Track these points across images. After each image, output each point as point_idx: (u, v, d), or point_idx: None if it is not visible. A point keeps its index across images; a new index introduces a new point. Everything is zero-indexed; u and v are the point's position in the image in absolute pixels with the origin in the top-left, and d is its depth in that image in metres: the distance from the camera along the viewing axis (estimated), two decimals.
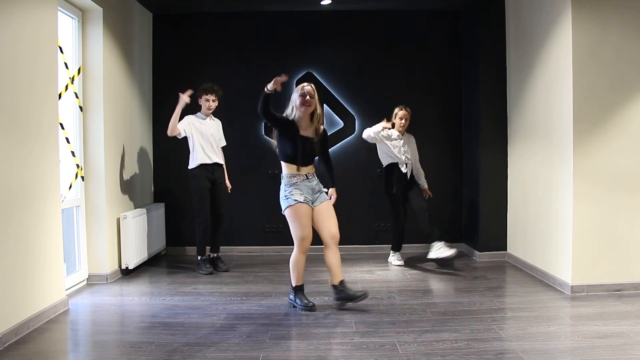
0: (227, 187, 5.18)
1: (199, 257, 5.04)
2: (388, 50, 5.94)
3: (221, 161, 5.07)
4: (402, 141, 5.15)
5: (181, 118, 4.91)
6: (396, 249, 5.34)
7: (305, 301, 3.81)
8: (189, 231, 5.95)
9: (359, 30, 5.94)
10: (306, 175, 3.79)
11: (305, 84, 3.83)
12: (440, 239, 5.02)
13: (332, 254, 3.80)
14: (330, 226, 3.79)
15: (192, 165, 4.98)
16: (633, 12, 4.08)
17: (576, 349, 3.01)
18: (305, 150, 3.77)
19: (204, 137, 4.95)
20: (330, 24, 5.94)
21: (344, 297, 3.81)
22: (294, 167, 3.76)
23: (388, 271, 5.06)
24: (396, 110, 5.16)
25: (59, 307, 3.75)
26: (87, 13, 4.57)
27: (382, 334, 3.30)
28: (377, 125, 4.94)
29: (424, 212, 5.08)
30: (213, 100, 4.99)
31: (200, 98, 5.00)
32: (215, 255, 5.15)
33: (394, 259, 5.32)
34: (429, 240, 5.08)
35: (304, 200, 3.73)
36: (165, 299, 4.17)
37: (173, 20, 5.92)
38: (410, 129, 5.25)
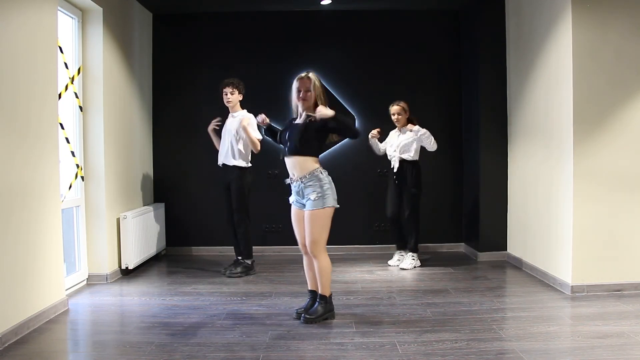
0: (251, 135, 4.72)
1: None
2: (388, 50, 5.94)
3: (231, 162, 4.79)
4: (397, 136, 5.13)
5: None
6: (397, 247, 5.32)
7: (300, 307, 3.71)
8: (189, 231, 5.96)
9: (359, 30, 5.94)
10: (291, 177, 3.54)
11: (303, 74, 3.55)
12: (414, 250, 5.18)
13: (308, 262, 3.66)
14: (301, 235, 3.59)
15: None
16: (633, 12, 4.08)
17: (576, 349, 3.01)
18: (288, 136, 3.52)
19: (223, 137, 4.89)
20: (330, 24, 5.93)
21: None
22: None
23: (388, 271, 5.06)
24: (389, 107, 5.13)
25: (59, 307, 3.75)
26: (87, 13, 4.57)
27: (382, 334, 3.30)
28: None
29: (406, 221, 5.13)
30: (231, 93, 4.80)
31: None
32: (237, 258, 5.00)
33: (392, 260, 5.28)
34: (404, 247, 5.25)
35: (291, 202, 3.64)
36: (165, 299, 4.16)
37: (173, 20, 5.92)
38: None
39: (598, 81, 4.10)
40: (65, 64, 4.34)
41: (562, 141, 4.27)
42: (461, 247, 5.98)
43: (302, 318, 3.55)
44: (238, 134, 4.77)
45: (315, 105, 3.49)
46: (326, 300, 3.58)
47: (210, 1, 5.63)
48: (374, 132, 5.10)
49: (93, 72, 4.60)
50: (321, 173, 3.49)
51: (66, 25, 4.41)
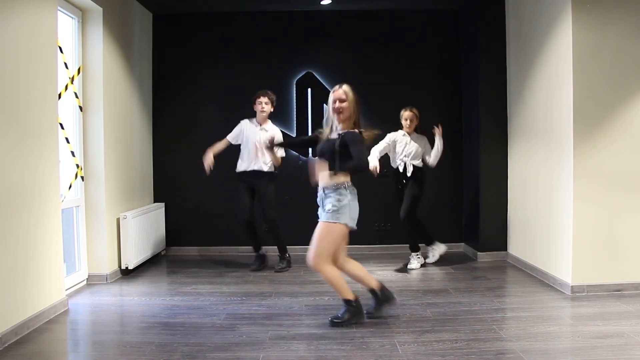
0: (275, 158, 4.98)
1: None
2: (388, 50, 5.94)
3: (264, 168, 4.98)
4: (407, 139, 5.15)
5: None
6: (426, 243, 5.34)
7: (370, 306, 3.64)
8: (189, 231, 5.96)
9: (359, 30, 5.94)
10: (319, 186, 3.45)
11: (337, 87, 3.52)
12: (414, 250, 5.19)
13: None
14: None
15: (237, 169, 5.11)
16: (633, 12, 4.08)
17: (576, 349, 3.01)
18: (321, 150, 3.52)
19: (249, 144, 4.98)
20: (330, 24, 5.93)
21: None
22: None
23: (388, 271, 5.06)
24: (402, 112, 5.15)
25: (59, 307, 3.75)
26: (87, 13, 4.57)
27: (382, 334, 3.30)
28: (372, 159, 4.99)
29: (405, 222, 5.10)
30: (266, 103, 4.95)
31: (254, 103, 5.01)
32: (258, 253, 5.26)
33: (413, 261, 5.26)
34: (431, 243, 5.30)
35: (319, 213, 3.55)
36: (165, 299, 4.16)
37: (173, 20, 5.92)
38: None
39: (598, 81, 4.10)
40: (65, 64, 4.33)
41: (562, 141, 4.26)
42: (461, 247, 5.98)
43: (329, 320, 3.50)
44: (262, 149, 4.88)
45: (352, 121, 3.45)
46: (351, 304, 3.48)
47: (210, 1, 5.63)
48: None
49: (93, 72, 4.59)
50: (345, 188, 3.38)
51: (66, 25, 4.41)
